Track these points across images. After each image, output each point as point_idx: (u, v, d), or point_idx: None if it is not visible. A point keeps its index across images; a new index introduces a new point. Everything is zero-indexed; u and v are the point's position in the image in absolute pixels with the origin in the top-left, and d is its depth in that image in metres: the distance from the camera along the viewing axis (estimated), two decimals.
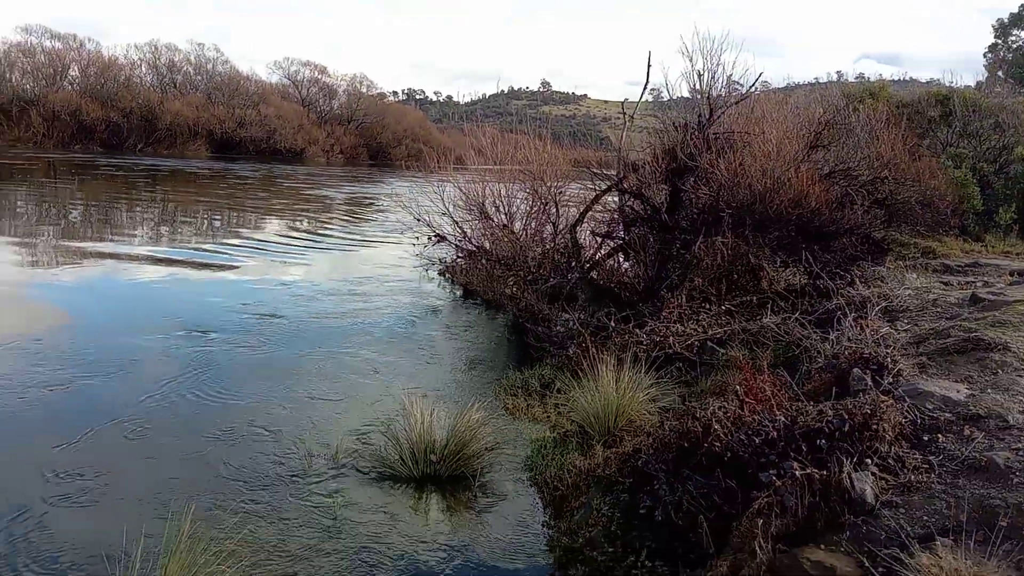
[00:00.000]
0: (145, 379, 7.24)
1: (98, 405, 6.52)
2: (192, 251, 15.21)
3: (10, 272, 12.00)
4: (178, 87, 56.40)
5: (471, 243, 12.31)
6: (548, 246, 11.19)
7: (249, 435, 6.13)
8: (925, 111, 15.15)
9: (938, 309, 6.67)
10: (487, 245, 11.88)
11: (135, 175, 33.28)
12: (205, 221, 21.48)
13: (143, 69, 55.98)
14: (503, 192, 12.07)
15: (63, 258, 13.64)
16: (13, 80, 48.00)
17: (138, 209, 22.60)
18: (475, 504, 5.28)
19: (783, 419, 4.14)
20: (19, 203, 22.05)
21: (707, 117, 9.78)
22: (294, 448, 5.89)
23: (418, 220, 12.64)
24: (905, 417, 4.20)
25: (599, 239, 10.68)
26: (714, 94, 9.96)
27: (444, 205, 12.39)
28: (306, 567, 4.33)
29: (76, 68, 51.27)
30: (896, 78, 78.82)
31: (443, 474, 5.46)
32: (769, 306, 7.88)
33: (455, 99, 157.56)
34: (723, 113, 9.93)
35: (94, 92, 49.13)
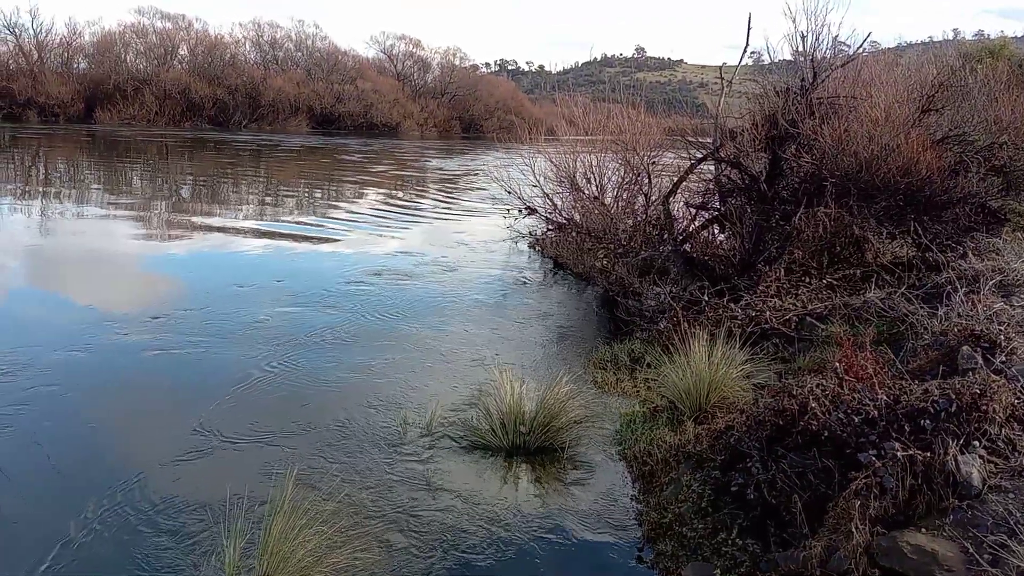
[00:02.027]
0: (250, 348, 7.60)
1: (209, 373, 6.92)
2: (295, 224, 15.78)
3: (129, 246, 12.78)
4: (279, 63, 58.18)
5: (561, 215, 12.29)
6: (640, 218, 11.04)
7: (347, 403, 6.37)
8: None
9: None
10: (577, 217, 11.83)
11: (241, 150, 34.68)
12: (307, 195, 22.22)
13: (247, 47, 58.10)
14: (594, 163, 11.97)
15: (176, 231, 14.43)
16: (128, 60, 50.68)
17: (243, 184, 23.60)
18: (563, 475, 5.33)
19: (885, 398, 3.99)
20: (135, 178, 23.40)
21: (810, 81, 9.36)
22: (390, 416, 6.09)
23: (509, 192, 12.70)
24: (1018, 398, 3.98)
25: (693, 210, 10.45)
26: (818, 56, 9.51)
27: (535, 177, 12.39)
28: (399, 531, 4.48)
29: (185, 47, 53.73)
30: (1019, 35, 73.32)
31: (532, 445, 5.54)
32: (873, 280, 7.56)
33: (547, 68, 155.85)
34: (828, 76, 9.47)
35: (202, 70, 51.35)
